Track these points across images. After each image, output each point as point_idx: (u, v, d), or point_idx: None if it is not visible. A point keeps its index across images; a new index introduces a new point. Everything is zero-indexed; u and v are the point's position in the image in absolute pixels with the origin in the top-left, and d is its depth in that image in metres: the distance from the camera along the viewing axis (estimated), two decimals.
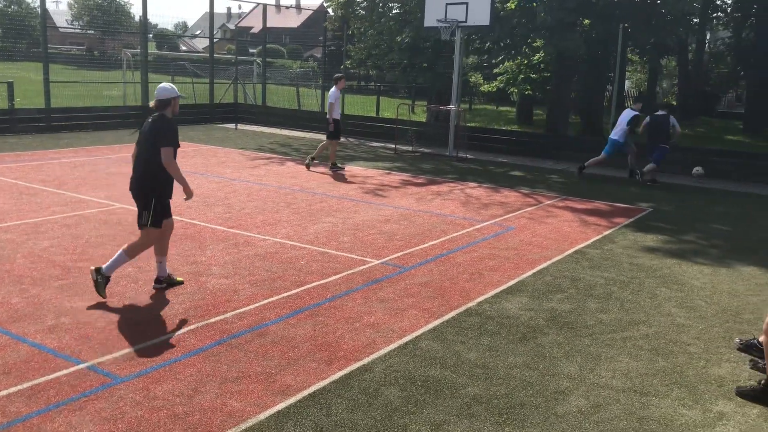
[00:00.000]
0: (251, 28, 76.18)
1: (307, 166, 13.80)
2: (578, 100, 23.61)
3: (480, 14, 15.84)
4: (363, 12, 23.24)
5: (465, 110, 24.65)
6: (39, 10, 19.02)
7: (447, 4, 16.18)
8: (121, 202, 9.84)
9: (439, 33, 17.02)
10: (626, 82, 37.02)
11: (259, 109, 23.51)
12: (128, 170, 12.20)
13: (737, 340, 5.60)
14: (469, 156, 16.85)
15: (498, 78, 26.29)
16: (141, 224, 6.23)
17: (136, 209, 6.32)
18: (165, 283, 6.41)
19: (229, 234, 8.42)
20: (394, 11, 22.58)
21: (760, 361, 5.11)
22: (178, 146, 6.19)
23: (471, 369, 4.96)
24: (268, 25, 26.95)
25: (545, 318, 6.06)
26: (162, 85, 6.31)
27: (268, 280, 6.72)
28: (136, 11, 70.76)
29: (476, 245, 8.34)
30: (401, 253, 7.87)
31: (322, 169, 14.04)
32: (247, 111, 23.27)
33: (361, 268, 7.26)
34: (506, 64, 24.27)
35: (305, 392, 4.50)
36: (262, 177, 12.61)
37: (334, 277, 6.90)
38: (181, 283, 6.50)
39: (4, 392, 4.30)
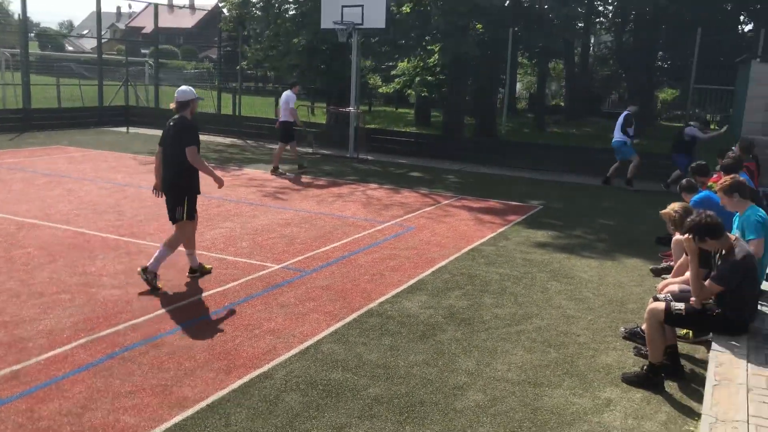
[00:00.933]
0: (143, 28, 73.51)
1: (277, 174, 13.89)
2: (472, 102, 24.28)
3: (375, 17, 15.99)
4: (259, 13, 22.91)
5: (364, 112, 24.82)
6: None
7: (343, 7, 16.23)
8: (0, 211, 9.24)
9: (336, 35, 17.05)
10: (517, 84, 38.45)
11: (152, 112, 22.72)
12: (8, 177, 11.50)
13: (622, 329, 5.92)
14: (369, 157, 16.97)
15: (395, 80, 26.63)
16: (176, 219, 6.64)
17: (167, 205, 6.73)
18: (198, 272, 6.92)
19: (121, 242, 8.08)
20: (290, 12, 22.39)
21: (642, 347, 5.43)
22: (199, 144, 6.68)
23: (372, 370, 4.99)
24: (160, 25, 26.11)
25: (444, 315, 6.18)
26: (181, 88, 6.84)
27: (163, 288, 6.50)
28: (15, 9, 66.70)
29: (377, 246, 8.40)
30: (302, 257, 7.82)
31: (219, 172, 13.70)
32: (139, 114, 22.44)
33: (261, 273, 7.16)
34: (402, 65, 24.60)
35: (203, 403, 4.38)
36: (151, 182, 12.15)
37: (232, 284, 6.76)
38: (210, 271, 7.05)
39: None
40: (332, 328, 5.74)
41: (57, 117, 20.57)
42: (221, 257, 7.64)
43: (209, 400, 4.43)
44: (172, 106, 6.71)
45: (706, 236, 4.81)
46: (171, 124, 6.65)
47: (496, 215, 10.81)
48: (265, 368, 4.93)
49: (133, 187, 11.56)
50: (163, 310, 5.95)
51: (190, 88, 6.79)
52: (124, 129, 20.85)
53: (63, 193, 10.73)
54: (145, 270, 6.44)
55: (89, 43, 67.02)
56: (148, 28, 65.41)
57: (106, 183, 11.83)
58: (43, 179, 11.86)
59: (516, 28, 18.69)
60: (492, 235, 9.41)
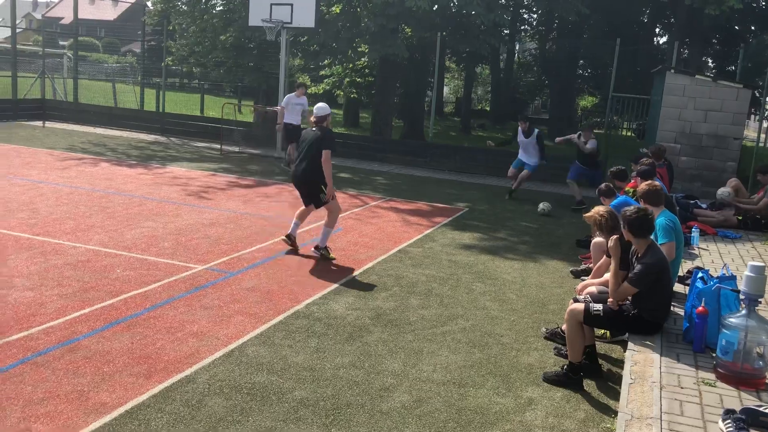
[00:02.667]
0: (61, 18, 70.63)
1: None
2: (401, 105, 24.47)
3: (305, 16, 15.89)
4: (185, 7, 22.37)
5: None
6: None
7: (272, 5, 16.06)
8: None
9: (264, 33, 16.84)
10: (445, 88, 39.00)
11: (70, 106, 21.83)
12: None
13: (543, 329, 6.08)
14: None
15: (325, 80, 26.54)
16: (323, 202, 7.93)
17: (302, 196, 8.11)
18: (291, 243, 8.17)
19: (35, 242, 7.72)
20: (217, 8, 21.96)
21: (562, 348, 5.59)
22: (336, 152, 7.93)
23: (298, 372, 4.95)
24: (80, 16, 25.10)
25: (371, 317, 6.19)
26: (320, 105, 8.09)
27: (80, 290, 6.25)
28: None
29: (305, 247, 8.34)
30: (227, 258, 7.67)
31: (140, 170, 13.33)
32: (56, 107, 21.53)
33: (184, 274, 6.98)
34: (333, 68, 24.55)
35: (122, 409, 4.23)
36: (73, 179, 11.72)
37: (153, 285, 6.57)
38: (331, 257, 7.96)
39: None
40: (258, 331, 5.65)
41: None
42: (142, 258, 7.41)
43: (128, 406, 4.28)
44: (312, 119, 8.02)
45: (645, 230, 5.05)
46: (314, 130, 7.97)
47: (423, 217, 10.92)
48: (188, 372, 4.81)
49: (49, 184, 11.08)
50: (79, 313, 5.71)
51: (326, 104, 8.11)
52: (40, 123, 19.97)
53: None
54: (317, 247, 7.97)
55: (2, 33, 63.83)
56: (67, 18, 62.95)
57: (20, 180, 11.29)
58: None
59: (444, 33, 18.93)
60: (419, 236, 9.49)
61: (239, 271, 7.22)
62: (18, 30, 22.37)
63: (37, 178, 11.58)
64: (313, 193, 7.95)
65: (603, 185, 8.32)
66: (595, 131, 13.85)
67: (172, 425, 4.11)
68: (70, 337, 5.23)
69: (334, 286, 7.01)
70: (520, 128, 13.15)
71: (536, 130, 13.07)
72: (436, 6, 18.61)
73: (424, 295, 6.95)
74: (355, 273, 7.51)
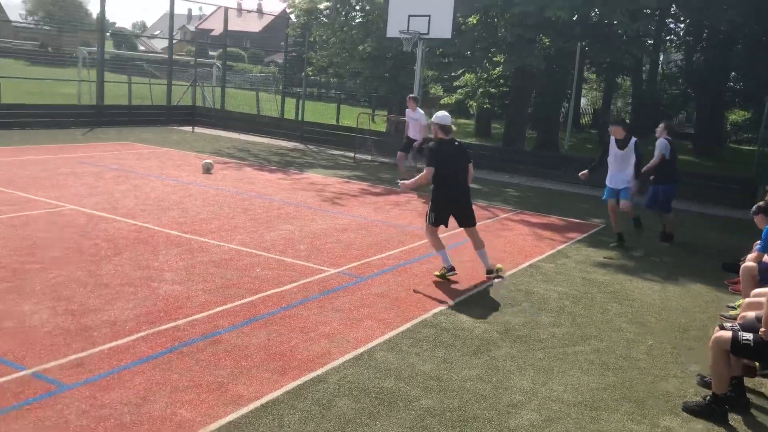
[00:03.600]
0: (212, 30, 75.40)
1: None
2: (535, 115, 24.01)
3: (442, 27, 15.98)
4: (325, 20, 23.23)
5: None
6: None
7: (410, 16, 16.29)
8: (72, 203, 9.60)
9: (401, 44, 17.12)
10: (582, 99, 37.84)
11: (217, 113, 23.25)
12: (81, 170, 11.90)
13: (698, 377, 5.38)
14: None
15: (458, 91, 26.55)
16: (474, 222, 7.69)
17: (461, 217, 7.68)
18: (493, 272, 7.71)
19: (183, 239, 8.28)
20: (357, 20, 22.62)
21: (706, 376, 5.24)
22: None
23: (425, 381, 4.97)
24: (229, 28, 26.72)
25: (499, 331, 6.11)
26: (445, 113, 7.64)
27: (223, 287, 6.62)
28: (94, 9, 69.42)
29: (433, 257, 8.36)
30: (358, 263, 7.85)
31: (280, 175, 13.94)
32: (205, 114, 22.99)
33: (318, 277, 7.22)
34: (466, 77, 24.52)
35: (257, 402, 4.44)
36: (218, 182, 12.45)
37: (289, 286, 6.84)
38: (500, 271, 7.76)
39: None
40: (386, 336, 5.73)
41: (127, 114, 21.27)
42: (280, 258, 7.74)
43: (263, 400, 4.47)
44: (437, 133, 7.48)
45: None
46: (456, 145, 7.57)
47: (556, 232, 10.64)
48: (319, 372, 4.96)
49: (197, 186, 11.84)
50: (221, 308, 6.05)
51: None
52: (189, 128, 21.39)
53: (130, 189, 11.06)
54: (489, 271, 7.65)
55: (160, 44, 69.15)
56: (217, 30, 67.09)
57: (171, 180, 12.15)
58: (112, 174, 12.26)
59: (583, 43, 18.40)
60: (551, 252, 9.26)
61: (369, 277, 7.36)
62: (174, 41, 24.11)
63: (186, 179, 12.41)
64: (471, 210, 7.64)
65: (763, 203, 7.21)
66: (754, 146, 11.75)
67: (304, 423, 4.25)
68: (213, 331, 5.55)
69: (463, 297, 6.98)
70: (612, 139, 9.57)
71: (634, 139, 9.46)
72: (577, 15, 18.14)
73: (556, 312, 6.76)
74: (484, 286, 7.44)
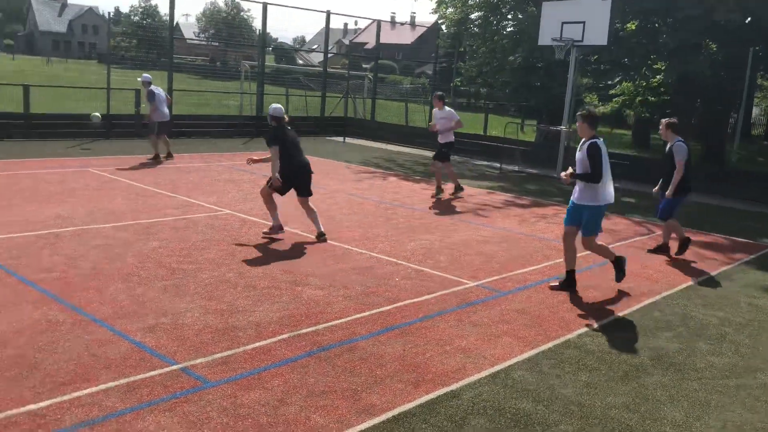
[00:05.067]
0: (366, 43, 77.71)
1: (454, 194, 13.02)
2: (699, 126, 22.39)
3: (597, 34, 15.33)
4: (476, 30, 23.10)
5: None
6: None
7: (563, 23, 15.78)
8: (229, 207, 10.17)
9: (553, 52, 16.63)
10: (754, 108, 34.83)
11: (367, 124, 23.81)
12: (238, 177, 12.57)
13: None
14: None
15: (614, 99, 25.39)
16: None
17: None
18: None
19: (328, 246, 8.48)
20: (508, 29, 22.29)
21: None
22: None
23: (566, 405, 4.69)
24: (382, 41, 27.31)
25: (650, 357, 5.66)
26: (277, 106, 8.83)
27: (362, 294, 6.69)
28: (258, 24, 73.96)
29: (580, 274, 7.96)
30: (498, 277, 7.64)
31: (424, 185, 13.98)
32: (355, 125, 23.62)
33: (456, 289, 7.10)
34: (623, 85, 23.41)
35: (390, 413, 4.39)
36: (364, 191, 12.70)
37: (427, 296, 6.78)
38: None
39: (103, 386, 4.46)
40: (525, 355, 5.50)
41: None
42: (419, 269, 7.71)
43: (395, 411, 4.43)
44: (287, 118, 8.88)
45: None
46: (290, 129, 9.01)
47: (719, 251, 9.79)
48: (454, 387, 4.84)
49: (344, 194, 12.14)
50: (359, 315, 6.10)
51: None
52: (341, 139, 22.06)
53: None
54: (320, 234, 8.68)
55: (317, 57, 72.25)
56: (371, 43, 69.01)
57: (320, 189, 12.53)
58: None
59: (757, 48, 16.90)
60: (713, 273, 8.51)
61: (510, 292, 7.13)
62: (329, 55, 25.01)
63: (334, 188, 12.76)
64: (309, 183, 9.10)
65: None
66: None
67: None
68: (350, 337, 5.60)
69: (610, 318, 6.57)
70: None
71: None
72: (750, 18, 16.72)
73: (716, 340, 6.18)
74: (635, 307, 6.96)
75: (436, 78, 28.10)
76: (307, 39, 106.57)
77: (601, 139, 7.15)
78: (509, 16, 22.57)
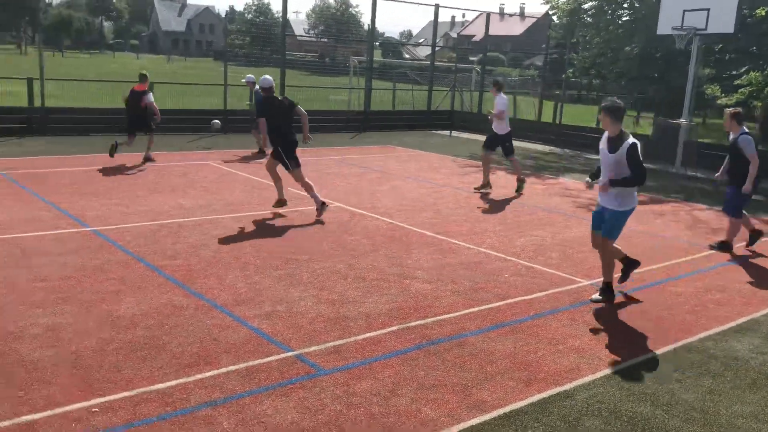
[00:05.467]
0: (473, 36, 76.98)
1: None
2: None
3: (723, 21, 14.44)
4: (590, 19, 22.37)
5: (697, 124, 22.71)
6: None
7: (684, 11, 14.98)
8: (338, 201, 10.37)
9: (673, 41, 15.84)
10: None
11: (474, 117, 23.59)
12: (347, 171, 12.78)
13: None
14: (698, 174, 15.43)
15: (739, 90, 23.89)
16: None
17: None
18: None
19: (436, 239, 8.48)
20: (624, 18, 21.44)
21: None
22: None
23: (687, 411, 4.47)
24: (490, 32, 26.96)
25: None
26: (267, 77, 9.73)
27: (471, 290, 6.64)
28: (366, 20, 74.89)
29: (701, 274, 7.57)
30: (614, 276, 7.36)
31: (533, 179, 13.69)
32: (462, 118, 23.47)
33: (569, 287, 6.91)
34: (750, 75, 21.98)
35: (501, 410, 4.34)
36: (471, 185, 12.59)
37: (538, 294, 6.64)
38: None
39: (224, 369, 4.67)
40: (643, 357, 5.29)
41: (391, 119, 22.49)
42: (529, 265, 7.57)
43: (507, 409, 4.37)
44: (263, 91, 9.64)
45: None
46: (279, 98, 9.65)
47: None
48: (567, 387, 4.72)
49: (450, 188, 12.09)
50: (468, 310, 6.07)
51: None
52: (447, 132, 21.98)
53: (389, 189, 11.66)
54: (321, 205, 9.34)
55: (424, 51, 72.32)
56: (479, 36, 68.32)
57: (427, 182, 12.56)
58: (374, 175, 13.03)
59: None
60: None
61: (627, 292, 6.86)
62: (436, 48, 24.95)
63: (440, 182, 12.74)
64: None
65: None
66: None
67: None
68: (459, 332, 5.58)
69: (736, 323, 6.19)
70: None
71: None
72: None
73: None
74: (763, 311, 6.53)
75: (546, 69, 27.43)
76: (414, 33, 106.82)
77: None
78: (625, 5, 21.70)
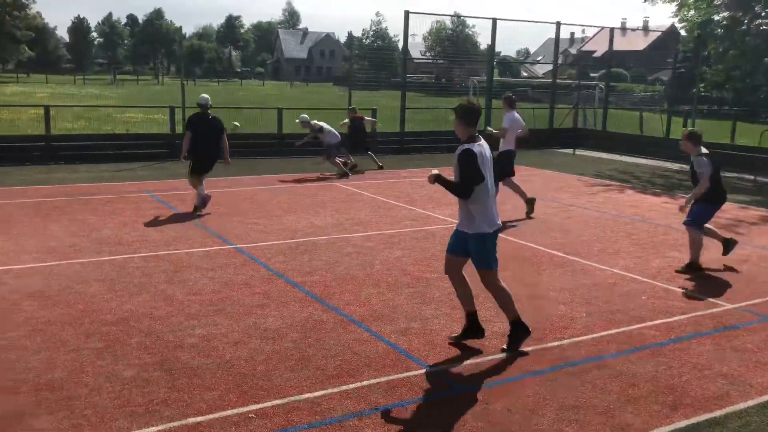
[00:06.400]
0: (593, 52, 75.04)
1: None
2: None
3: None
4: (721, 31, 21.30)
5: None
6: (400, 44, 21.21)
7: None
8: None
9: None
10: None
11: (598, 134, 22.99)
12: None
13: None
14: None
15: None
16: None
17: None
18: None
19: (566, 260, 8.37)
20: (761, 28, 20.26)
21: None
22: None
23: None
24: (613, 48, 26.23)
25: None
26: (203, 95, 11.12)
27: (606, 311, 6.51)
28: (482, 40, 74.77)
29: None
30: (761, 300, 6.98)
31: (664, 198, 13.17)
32: (586, 136, 22.92)
33: (712, 311, 6.62)
34: None
35: None
36: (600, 204, 12.30)
37: (678, 317, 6.41)
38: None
39: (366, 382, 4.85)
40: None
41: None
42: (667, 287, 7.31)
43: None
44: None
45: None
46: (209, 118, 10.86)
47: None
48: (716, 414, 4.54)
49: (578, 208, 11.86)
50: (606, 332, 5.95)
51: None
52: (570, 151, 21.55)
53: (512, 209, 11.58)
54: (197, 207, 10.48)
55: (541, 69, 71.29)
56: (599, 51, 66.52)
57: (554, 202, 12.38)
58: (499, 194, 12.98)
59: None
60: None
61: None
62: (557, 65, 24.59)
63: (567, 201, 12.52)
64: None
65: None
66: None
67: None
68: (598, 354, 5.49)
69: None
70: None
71: None
72: None
73: None
74: None
75: (674, 84, 26.31)
76: (531, 50, 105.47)
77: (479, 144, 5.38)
78: (763, 14, 20.51)
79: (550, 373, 5.11)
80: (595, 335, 5.89)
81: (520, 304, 6.59)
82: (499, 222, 5.60)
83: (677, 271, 7.94)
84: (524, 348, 5.55)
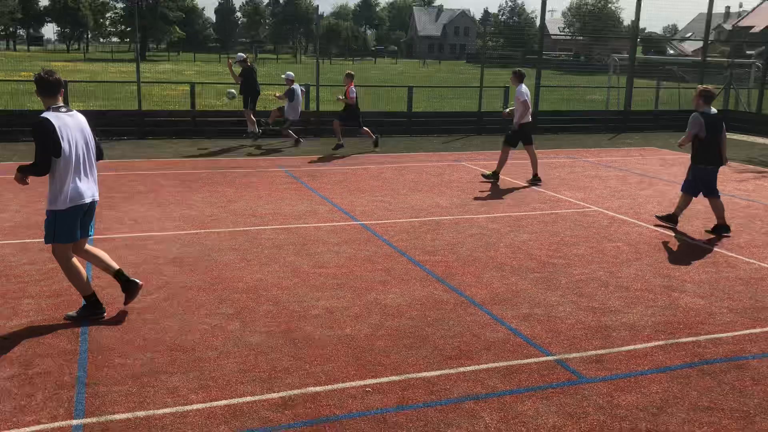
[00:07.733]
0: (751, 27, 69.25)
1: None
2: None
3: None
4: None
5: None
6: (537, 20, 20.54)
7: None
8: (596, 204, 10.01)
9: None
10: None
11: (751, 117, 21.22)
12: (605, 174, 12.29)
13: None
14: None
15: None
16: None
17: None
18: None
19: (708, 250, 7.80)
20: None
21: None
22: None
23: None
24: None
25: None
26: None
27: (752, 308, 6.00)
28: (625, 15, 71.11)
29: None
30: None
31: None
32: (737, 118, 21.23)
33: None
34: None
35: None
36: (749, 192, 11.36)
37: None
38: None
39: (484, 366, 4.77)
40: None
41: (652, 119, 21.11)
42: None
43: None
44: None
45: None
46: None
47: None
48: None
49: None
50: (749, 331, 5.50)
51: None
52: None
53: (653, 194, 10.97)
54: None
55: (690, 46, 66.69)
56: (758, 27, 61.29)
57: None
58: (635, 178, 12.34)
59: None
60: None
61: None
62: (708, 42, 22.87)
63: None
64: None
65: None
66: None
67: None
68: (738, 354, 5.07)
69: None
70: None
71: None
72: None
73: None
74: None
75: None
76: (680, 27, 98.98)
77: (51, 113, 5.00)
78: None
79: (683, 370, 4.79)
80: (735, 333, 5.45)
81: (652, 294, 6.26)
82: (89, 198, 5.26)
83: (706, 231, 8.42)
84: (656, 342, 5.23)
